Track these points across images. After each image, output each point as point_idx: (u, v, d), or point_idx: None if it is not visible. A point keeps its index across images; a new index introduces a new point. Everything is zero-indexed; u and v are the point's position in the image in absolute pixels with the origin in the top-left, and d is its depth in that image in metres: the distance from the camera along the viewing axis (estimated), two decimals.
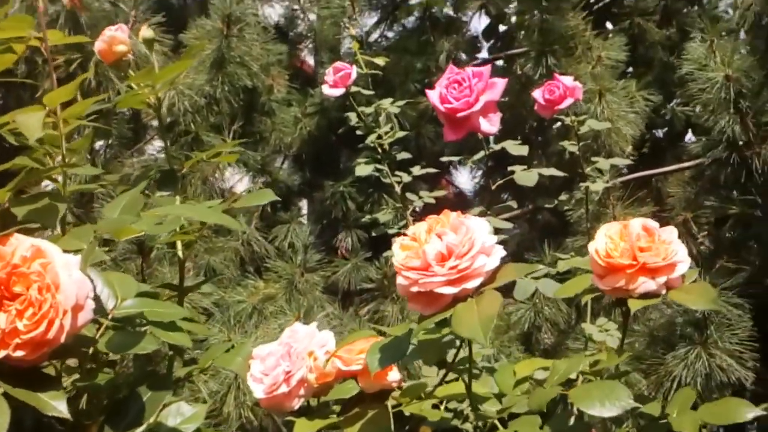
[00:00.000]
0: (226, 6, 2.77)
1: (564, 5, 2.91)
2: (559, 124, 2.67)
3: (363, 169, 1.76)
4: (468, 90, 1.19)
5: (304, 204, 4.03)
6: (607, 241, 0.90)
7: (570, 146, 1.71)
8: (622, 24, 3.67)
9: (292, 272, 2.87)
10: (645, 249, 0.88)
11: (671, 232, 0.90)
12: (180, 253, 1.15)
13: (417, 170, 1.80)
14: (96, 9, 2.51)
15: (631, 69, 3.75)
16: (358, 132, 1.82)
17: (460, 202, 4.42)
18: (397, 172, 1.78)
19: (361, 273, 3.21)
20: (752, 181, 2.65)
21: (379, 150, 1.78)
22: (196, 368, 1.11)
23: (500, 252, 0.81)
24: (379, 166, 1.77)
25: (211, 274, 2.86)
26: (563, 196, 1.86)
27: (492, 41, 4.21)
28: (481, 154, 1.49)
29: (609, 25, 3.84)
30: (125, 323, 0.93)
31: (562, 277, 1.21)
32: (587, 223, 2.33)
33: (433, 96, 1.22)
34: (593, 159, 1.76)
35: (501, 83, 1.20)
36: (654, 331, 2.60)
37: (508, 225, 1.42)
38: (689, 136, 3.83)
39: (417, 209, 1.80)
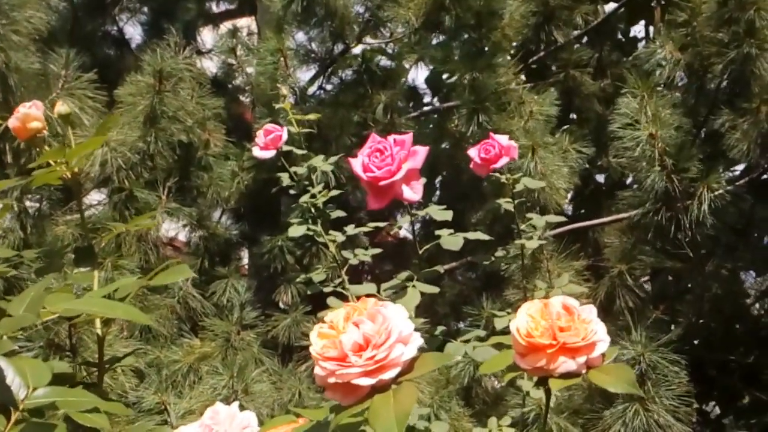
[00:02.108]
0: (157, 62, 2.74)
1: (496, 61, 2.93)
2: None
3: (295, 230, 1.74)
4: (390, 159, 1.17)
5: (245, 254, 3.98)
6: (528, 320, 0.89)
7: (505, 204, 1.72)
8: (557, 77, 3.73)
9: (228, 330, 2.83)
10: (565, 329, 0.87)
11: (591, 311, 0.89)
12: (99, 331, 1.12)
13: (351, 230, 1.78)
14: (25, 69, 2.46)
15: (574, 116, 3.80)
16: (292, 191, 1.81)
17: (403, 250, 4.41)
18: (331, 232, 1.76)
19: (300, 327, 3.17)
20: (683, 235, 2.68)
21: (312, 210, 1.77)
22: None
23: (418, 340, 0.80)
24: (312, 227, 1.75)
25: (145, 333, 2.80)
26: (499, 253, 1.86)
27: (437, 90, 4.25)
28: (407, 219, 1.49)
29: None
30: (37, 413, 0.90)
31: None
32: (523, 280, 2.34)
33: (356, 165, 1.20)
34: (528, 216, 1.77)
35: (423, 151, 1.19)
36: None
37: (435, 289, 1.42)
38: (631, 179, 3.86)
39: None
